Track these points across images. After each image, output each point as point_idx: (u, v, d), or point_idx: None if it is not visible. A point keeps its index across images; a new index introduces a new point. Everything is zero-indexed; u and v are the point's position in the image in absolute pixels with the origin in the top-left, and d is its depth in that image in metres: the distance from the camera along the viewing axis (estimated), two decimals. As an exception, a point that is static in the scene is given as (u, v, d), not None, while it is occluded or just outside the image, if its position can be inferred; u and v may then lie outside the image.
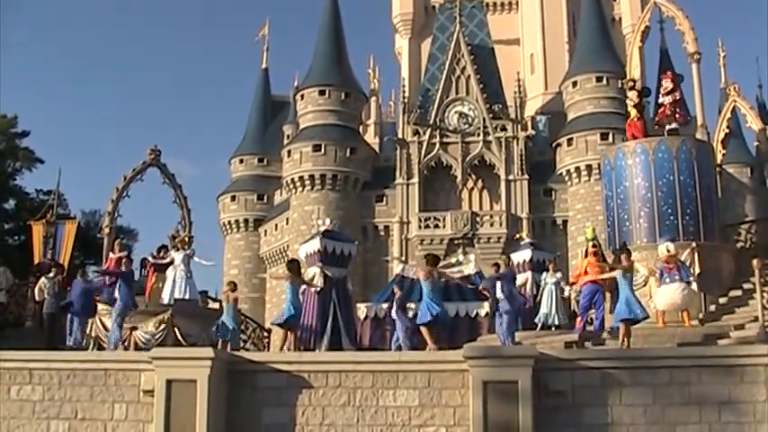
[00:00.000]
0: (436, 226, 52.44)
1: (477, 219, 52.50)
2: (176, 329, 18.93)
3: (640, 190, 21.42)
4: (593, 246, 19.35)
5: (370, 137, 59.67)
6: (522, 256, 24.58)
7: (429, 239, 52.09)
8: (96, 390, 14.56)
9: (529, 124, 55.49)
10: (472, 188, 54.54)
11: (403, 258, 46.79)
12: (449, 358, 13.99)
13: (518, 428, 12.79)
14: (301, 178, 54.27)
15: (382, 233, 54.04)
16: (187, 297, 21.10)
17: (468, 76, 55.07)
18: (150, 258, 22.63)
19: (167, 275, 21.59)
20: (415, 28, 67.42)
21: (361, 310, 24.03)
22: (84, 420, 14.47)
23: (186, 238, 22.80)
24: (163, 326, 19.02)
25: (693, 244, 19.96)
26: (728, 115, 31.24)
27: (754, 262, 17.98)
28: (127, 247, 27.18)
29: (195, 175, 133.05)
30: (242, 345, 20.40)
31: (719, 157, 28.76)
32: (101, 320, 19.75)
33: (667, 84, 22.79)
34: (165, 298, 21.03)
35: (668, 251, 17.72)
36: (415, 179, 53.51)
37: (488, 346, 15.84)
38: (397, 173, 53.75)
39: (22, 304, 23.32)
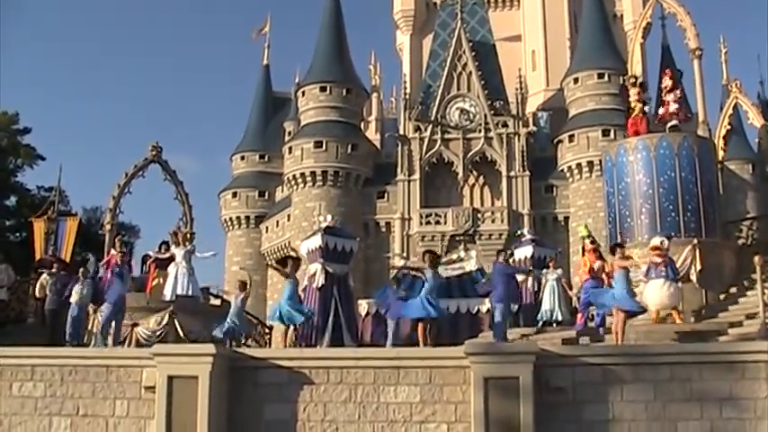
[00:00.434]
0: (437, 222, 52.47)
1: (479, 215, 52.55)
2: (178, 326, 18.96)
3: (642, 186, 21.41)
4: (591, 242, 19.37)
5: (372, 133, 59.70)
6: (523, 252, 24.59)
7: (430, 236, 52.12)
8: (98, 386, 14.57)
9: (530, 121, 55.55)
10: (473, 184, 54.58)
11: (404, 255, 46.83)
12: (450, 354, 13.99)
13: (519, 424, 12.79)
14: (303, 175, 54.29)
15: (384, 229, 54.09)
16: (189, 293, 21.12)
17: (470, 72, 55.09)
18: (151, 254, 22.66)
19: (169, 272, 21.61)
20: (416, 24, 67.44)
21: (363, 306, 24.02)
22: (86, 417, 14.48)
23: (188, 235, 22.81)
24: (164, 322, 19.04)
25: (695, 241, 19.95)
26: (730, 112, 31.27)
27: (756, 259, 17.95)
28: (128, 244, 27.22)
29: (197, 170, 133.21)
30: (243, 342, 20.39)
31: (721, 154, 28.76)
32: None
33: (667, 82, 22.77)
34: (167, 294, 21.04)
35: (661, 244, 17.72)
36: (417, 175, 53.55)
37: (489, 343, 15.85)
38: (399, 169, 53.78)
39: (23, 301, 23.33)
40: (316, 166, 53.95)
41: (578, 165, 52.95)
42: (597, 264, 18.20)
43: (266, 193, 61.94)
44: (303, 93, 56.52)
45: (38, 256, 26.98)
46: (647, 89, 23.60)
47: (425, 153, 53.77)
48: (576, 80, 55.08)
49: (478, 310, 23.31)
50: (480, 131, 53.85)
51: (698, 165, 21.39)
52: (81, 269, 19.89)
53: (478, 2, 59.20)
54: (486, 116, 53.94)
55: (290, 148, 55.91)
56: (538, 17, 64.80)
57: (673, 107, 22.43)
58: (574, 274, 31.99)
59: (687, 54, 27.04)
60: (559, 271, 21.60)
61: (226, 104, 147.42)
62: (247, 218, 61.91)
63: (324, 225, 23.94)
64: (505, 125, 53.98)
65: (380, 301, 20.89)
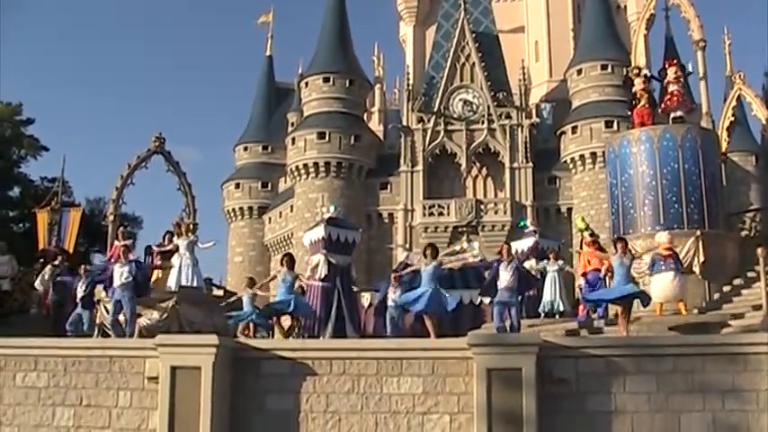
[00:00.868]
0: (440, 213, 52.47)
1: (482, 206, 52.56)
2: (181, 316, 18.95)
3: (645, 178, 21.37)
4: (590, 235, 19.36)
5: (375, 124, 59.66)
6: (526, 243, 24.60)
7: (433, 227, 52.13)
8: (101, 377, 14.59)
9: (533, 112, 55.52)
10: (476, 176, 54.58)
11: (407, 246, 46.89)
12: (453, 346, 14.00)
13: (522, 416, 12.80)
14: (306, 166, 54.28)
15: (386, 221, 54.12)
16: (193, 284, 21.13)
17: (473, 63, 55.04)
18: (155, 247, 22.65)
19: (172, 263, 21.61)
20: (419, 15, 67.33)
21: (365, 297, 24.07)
22: (89, 407, 14.51)
23: (191, 226, 22.80)
24: (167, 313, 19.04)
25: (698, 232, 19.93)
26: (734, 103, 31.15)
27: (759, 250, 17.94)
28: (131, 235, 27.21)
29: (200, 161, 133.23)
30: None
31: (724, 146, 28.69)
32: (105, 308, 19.75)
33: (676, 72, 22.67)
34: (171, 285, 21.05)
35: (669, 241, 17.73)
36: (420, 167, 53.54)
37: (492, 334, 15.85)
38: (402, 160, 53.78)
39: (26, 291, 23.34)
40: (319, 157, 53.95)
41: (581, 156, 52.94)
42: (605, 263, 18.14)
43: (269, 184, 61.96)
44: (306, 84, 56.50)
45: (41, 247, 26.99)
46: (651, 81, 23.56)
47: (428, 144, 53.75)
48: (579, 71, 55.01)
49: (481, 301, 23.31)
50: (483, 123, 53.83)
51: (701, 156, 21.34)
52: (83, 266, 19.90)
53: (481, -7, 59.14)
54: (489, 107, 53.91)
55: (293, 139, 55.90)
56: (541, 8, 64.70)
57: (677, 96, 22.35)
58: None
59: (691, 45, 26.96)
60: (560, 262, 21.63)
61: (229, 95, 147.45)
62: (250, 209, 61.94)
63: (327, 216, 23.98)
64: (508, 116, 53.96)
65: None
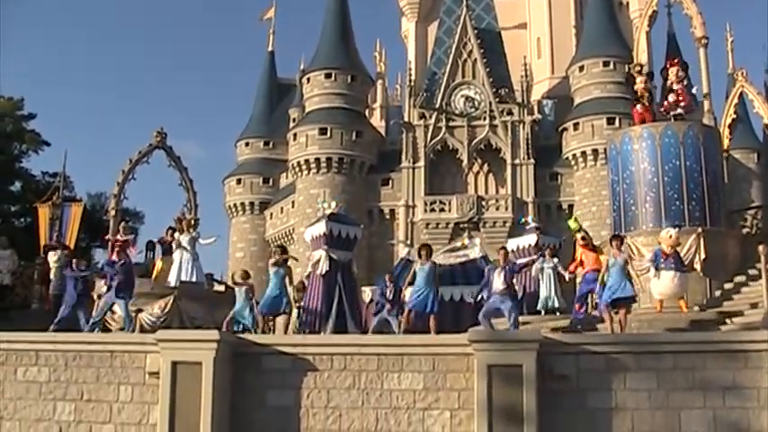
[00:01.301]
0: (442, 210, 52.48)
1: (483, 203, 52.57)
2: (182, 311, 18.98)
3: (646, 175, 21.35)
4: (582, 238, 19.35)
5: (377, 120, 59.66)
6: (527, 240, 24.59)
7: (434, 223, 52.15)
8: (102, 371, 14.62)
9: (535, 108, 55.46)
10: (478, 172, 54.57)
11: (408, 242, 46.80)
12: (454, 342, 14.02)
13: (522, 412, 12.82)
14: (307, 161, 54.30)
15: (388, 217, 54.14)
16: (193, 279, 21.15)
17: (475, 59, 55.03)
18: (156, 241, 22.67)
19: (174, 258, 21.63)
20: (421, 11, 67.24)
21: (366, 293, 24.05)
22: (90, 402, 14.53)
23: (192, 221, 22.81)
24: (168, 308, 19.06)
25: (699, 229, 19.92)
26: (736, 101, 31.12)
27: (760, 248, 17.92)
28: (133, 230, 27.21)
29: (201, 157, 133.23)
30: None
31: (726, 143, 28.68)
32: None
33: (677, 72, 22.63)
34: (172, 280, 21.07)
35: (672, 237, 17.74)
36: (421, 163, 53.55)
37: (493, 330, 15.86)
38: (403, 156, 53.78)
39: (27, 286, 23.38)
40: (320, 153, 53.95)
41: (583, 153, 52.91)
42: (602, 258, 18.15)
43: (271, 180, 61.96)
44: (308, 79, 56.50)
45: (42, 242, 27.01)
46: (652, 77, 23.55)
47: (430, 140, 53.75)
48: (581, 68, 54.97)
49: (482, 297, 23.30)
50: (485, 119, 53.83)
51: (703, 153, 21.32)
52: (74, 261, 19.94)
53: (484, -11, 59.08)
54: (491, 104, 53.90)
55: (295, 135, 55.90)
56: (543, 4, 64.61)
57: (681, 95, 22.31)
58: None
59: (693, 43, 26.96)
60: (555, 260, 21.62)
61: (231, 91, 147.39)
62: (252, 204, 61.95)
63: (328, 212, 23.94)
64: (510, 113, 53.95)
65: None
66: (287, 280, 17.92)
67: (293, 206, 56.44)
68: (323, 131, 54.24)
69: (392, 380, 13.75)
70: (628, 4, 65.15)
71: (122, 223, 23.61)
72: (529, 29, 65.17)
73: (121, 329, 18.13)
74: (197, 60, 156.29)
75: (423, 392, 13.64)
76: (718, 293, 19.88)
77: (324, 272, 22.09)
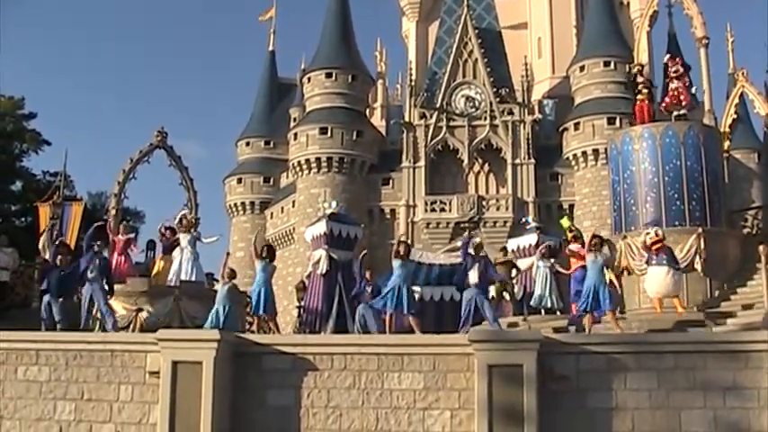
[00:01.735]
0: (442, 209, 52.43)
1: (484, 202, 52.51)
2: (182, 311, 18.97)
3: (647, 175, 21.39)
4: (574, 237, 19.36)
5: (377, 120, 59.57)
6: (528, 240, 24.60)
7: (435, 223, 52.10)
8: (102, 371, 14.63)
9: (536, 108, 55.36)
10: (478, 172, 54.51)
11: (408, 242, 46.74)
12: (454, 342, 14.03)
13: (523, 412, 12.83)
14: (308, 161, 54.26)
15: (388, 216, 54.07)
16: (193, 279, 21.13)
17: (476, 59, 54.97)
18: (156, 240, 22.64)
19: (174, 257, 21.62)
20: (422, 11, 67.17)
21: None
22: (90, 401, 14.55)
23: (193, 220, 22.79)
24: (169, 307, 19.05)
25: (699, 229, 19.95)
26: (736, 101, 31.10)
27: (761, 248, 17.96)
28: (133, 229, 27.20)
29: (202, 156, 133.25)
30: (247, 327, 20.39)
31: (726, 143, 28.69)
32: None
33: (677, 68, 22.66)
34: (172, 279, 21.06)
35: (656, 235, 17.73)
36: (422, 162, 53.50)
37: (494, 330, 15.87)
38: (404, 156, 53.72)
39: (28, 285, 23.36)
40: (321, 153, 53.89)
41: (584, 153, 52.85)
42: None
43: (271, 179, 61.94)
44: (309, 79, 56.44)
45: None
46: (652, 83, 23.57)
47: (431, 140, 53.69)
48: (581, 68, 54.89)
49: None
50: (486, 119, 53.77)
51: (703, 154, 21.35)
52: (60, 256, 19.95)
53: (484, -12, 59.06)
54: (491, 103, 53.84)
55: (296, 135, 55.86)
56: (544, 4, 64.52)
57: (681, 93, 22.32)
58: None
59: (694, 43, 26.96)
60: (552, 259, 21.62)
61: (232, 90, 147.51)
62: (252, 204, 61.94)
63: (328, 211, 23.95)
64: (511, 113, 53.89)
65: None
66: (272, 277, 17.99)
67: (294, 206, 56.41)
68: (323, 131, 54.18)
69: (392, 379, 13.76)
70: (628, 3, 65.11)
71: (123, 222, 23.61)
72: (529, 29, 65.10)
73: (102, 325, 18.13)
74: (198, 60, 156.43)
75: (423, 392, 13.65)
76: (716, 293, 19.90)
77: (324, 271, 22.13)
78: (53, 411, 14.65)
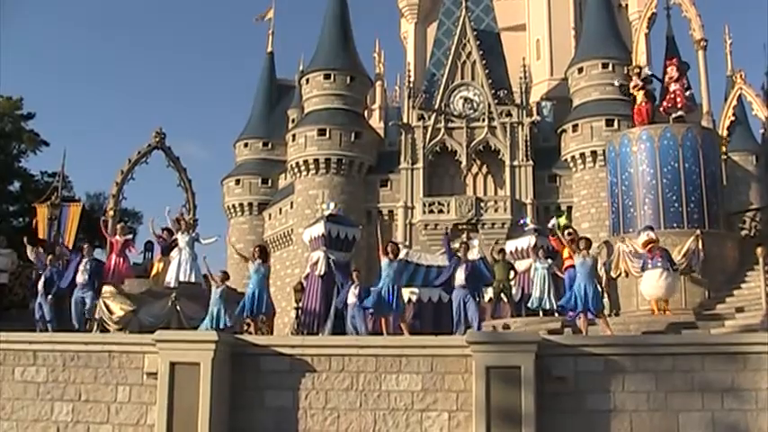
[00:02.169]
0: (440, 211, 52.43)
1: (482, 204, 52.51)
2: (180, 312, 18.94)
3: (645, 177, 21.36)
4: (569, 234, 19.35)
5: (375, 121, 59.60)
6: (525, 241, 24.58)
7: (433, 224, 52.08)
8: (100, 372, 14.62)
9: (534, 110, 55.39)
10: (477, 173, 54.51)
11: (407, 243, 46.76)
12: (452, 343, 14.02)
13: (520, 414, 12.82)
14: (306, 162, 54.24)
15: (386, 218, 54.03)
16: (192, 280, 21.10)
17: (474, 61, 54.98)
18: (154, 241, 22.62)
19: (172, 258, 21.59)
20: (420, 12, 67.26)
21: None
22: (88, 402, 14.53)
23: (191, 221, 22.77)
24: (167, 308, 19.02)
25: (698, 231, 19.93)
26: (734, 103, 31.13)
27: (759, 250, 17.95)
28: (131, 230, 27.17)
29: (201, 157, 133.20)
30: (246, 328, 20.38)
31: (725, 145, 28.70)
32: (105, 303, 19.73)
33: (673, 72, 22.67)
34: (170, 280, 21.03)
35: (648, 237, 17.76)
36: (420, 164, 53.49)
37: (492, 332, 15.86)
38: (402, 157, 53.72)
39: (26, 286, 23.34)
40: (319, 154, 53.88)
41: (582, 154, 52.85)
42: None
43: (269, 181, 61.88)
44: (307, 80, 56.43)
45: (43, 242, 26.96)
46: (651, 81, 23.55)
47: (429, 142, 53.68)
48: (580, 70, 54.91)
49: (480, 298, 23.32)
50: (484, 120, 53.76)
51: (701, 156, 21.32)
52: (50, 256, 19.95)
53: (483, -10, 59.06)
54: (489, 105, 53.85)
55: (294, 136, 55.85)
56: (542, 6, 64.59)
57: (678, 96, 22.32)
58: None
59: (692, 44, 26.99)
60: (549, 261, 21.61)
61: (230, 91, 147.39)
62: (250, 205, 61.88)
63: (327, 213, 23.96)
64: (509, 114, 53.90)
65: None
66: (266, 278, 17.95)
67: (292, 207, 56.38)
68: (322, 132, 54.17)
69: (390, 381, 13.75)
70: (627, 5, 65.19)
71: (120, 223, 23.60)
72: (528, 30, 65.16)
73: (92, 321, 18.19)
74: (196, 61, 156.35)
75: (421, 394, 13.64)
76: (713, 296, 19.89)
77: (322, 273, 22.13)
78: (50, 412, 14.64)
